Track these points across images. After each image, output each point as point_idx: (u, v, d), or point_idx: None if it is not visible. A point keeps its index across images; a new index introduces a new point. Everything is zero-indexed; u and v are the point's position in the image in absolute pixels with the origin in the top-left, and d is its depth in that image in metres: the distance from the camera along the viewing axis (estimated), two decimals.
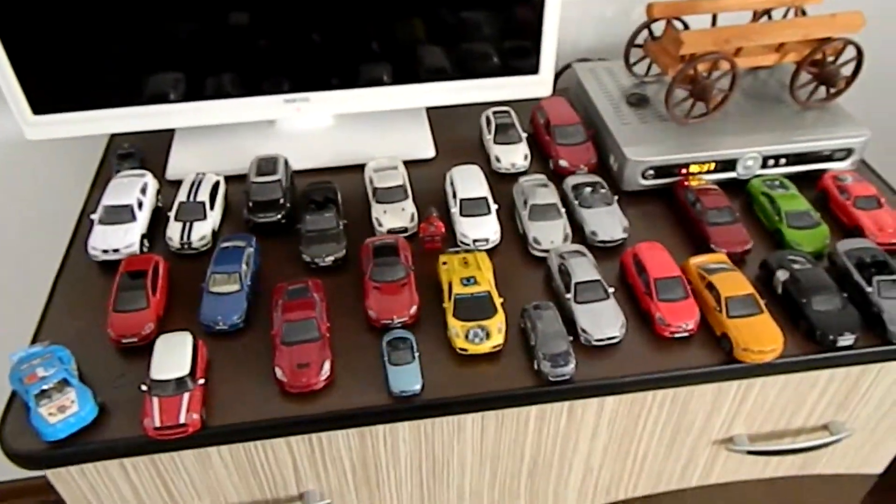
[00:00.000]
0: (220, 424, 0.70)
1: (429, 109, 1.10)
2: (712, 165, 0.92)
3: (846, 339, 0.74)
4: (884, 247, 0.84)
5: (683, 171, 0.92)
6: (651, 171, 0.92)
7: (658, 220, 0.92)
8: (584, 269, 0.79)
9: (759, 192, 0.90)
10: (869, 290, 0.77)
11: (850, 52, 1.04)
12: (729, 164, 0.93)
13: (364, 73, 0.96)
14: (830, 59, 0.96)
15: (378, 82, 0.98)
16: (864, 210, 0.87)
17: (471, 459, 0.83)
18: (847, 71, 1.05)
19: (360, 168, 0.99)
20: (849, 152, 0.94)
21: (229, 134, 1.05)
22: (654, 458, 0.90)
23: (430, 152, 1.03)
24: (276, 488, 0.81)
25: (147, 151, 1.03)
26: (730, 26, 0.91)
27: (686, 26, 1.01)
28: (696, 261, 0.81)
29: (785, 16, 1.01)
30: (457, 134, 1.07)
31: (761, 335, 0.73)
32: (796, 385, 0.83)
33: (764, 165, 0.93)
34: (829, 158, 0.94)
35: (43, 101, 0.93)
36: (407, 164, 0.99)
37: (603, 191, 0.90)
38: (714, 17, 0.99)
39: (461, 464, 0.84)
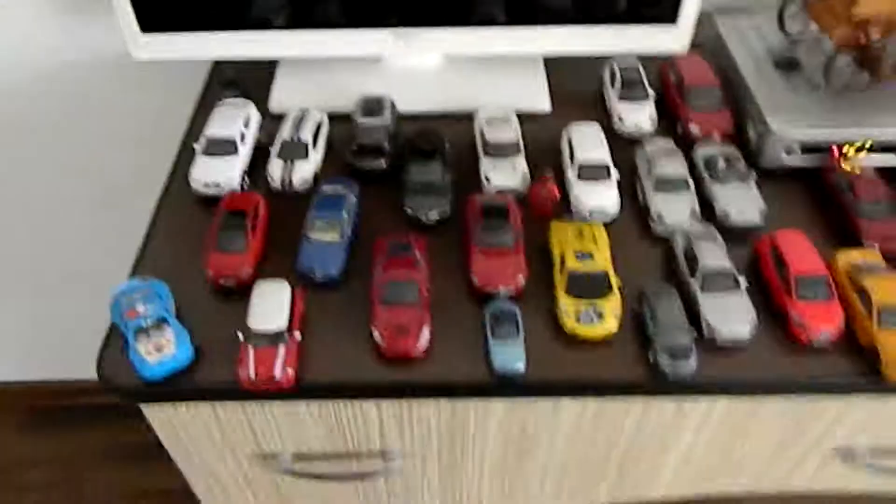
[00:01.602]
0: (312, 381, 0.68)
1: (546, 59, 1.01)
2: (870, 145, 0.81)
3: None
4: None
5: (836, 150, 0.81)
6: (797, 147, 0.82)
7: (800, 206, 0.82)
8: (714, 254, 0.71)
9: None
10: None
11: None
12: (891, 147, 0.81)
13: (479, 11, 0.88)
14: None
15: (492, 22, 0.90)
16: None
17: (561, 442, 0.79)
18: None
19: (468, 116, 0.93)
20: None
21: (333, 69, 0.99)
22: (758, 459, 0.83)
23: (545, 105, 0.95)
24: (360, 443, 0.80)
25: (250, 82, 0.99)
26: None
27: None
28: (845, 257, 0.72)
29: None
30: (575, 87, 0.98)
31: None
32: None
33: None
34: None
35: (152, 19, 0.89)
36: (519, 116, 0.92)
37: (739, 166, 0.81)
38: None
39: (550, 444, 0.80)
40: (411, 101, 0.95)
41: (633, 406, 0.74)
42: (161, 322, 0.68)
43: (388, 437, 0.79)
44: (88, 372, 1.58)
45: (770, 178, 0.83)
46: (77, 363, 1.57)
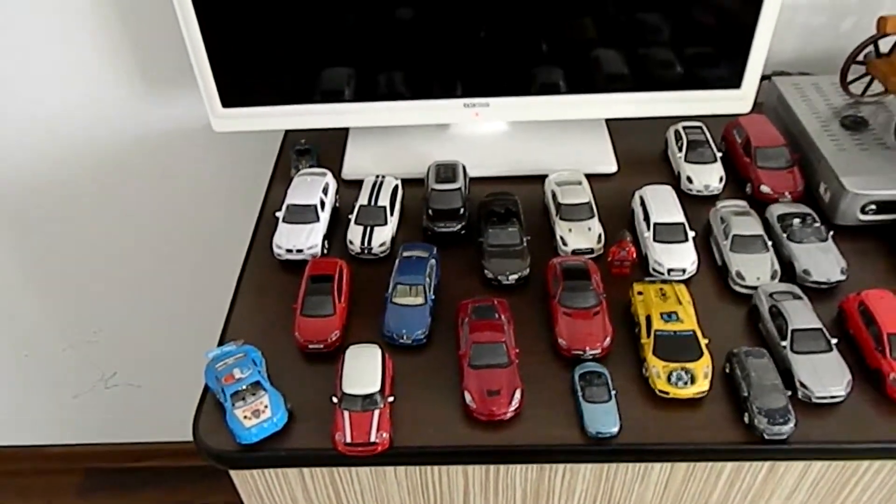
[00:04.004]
0: (405, 445, 0.68)
1: (609, 119, 1.04)
2: None
3: None
4: None
5: None
6: (872, 206, 0.82)
7: (878, 262, 0.82)
8: (802, 314, 0.71)
9: None
10: None
11: None
12: None
13: (542, 80, 0.92)
14: None
15: (556, 90, 0.93)
16: None
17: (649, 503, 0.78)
18: None
19: (535, 179, 0.95)
20: None
21: (403, 135, 1.03)
22: None
23: (611, 167, 0.97)
24: None
25: (322, 147, 1.03)
26: None
27: None
28: None
29: None
30: (638, 147, 1.01)
31: None
32: None
33: None
34: None
35: (232, 95, 0.94)
36: (586, 177, 0.94)
37: (815, 224, 0.81)
38: None
39: None
40: (480, 165, 0.97)
41: (725, 467, 0.73)
42: (256, 386, 0.70)
43: (473, 501, 0.78)
44: (147, 435, 1.59)
45: (844, 234, 0.84)
46: (138, 427, 1.58)
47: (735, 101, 0.93)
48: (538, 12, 0.86)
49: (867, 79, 0.94)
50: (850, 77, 0.94)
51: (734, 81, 0.91)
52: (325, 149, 1.03)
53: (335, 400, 0.68)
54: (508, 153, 0.99)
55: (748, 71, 0.90)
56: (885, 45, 0.90)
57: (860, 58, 0.92)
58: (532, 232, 0.88)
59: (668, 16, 0.87)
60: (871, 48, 0.91)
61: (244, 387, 0.69)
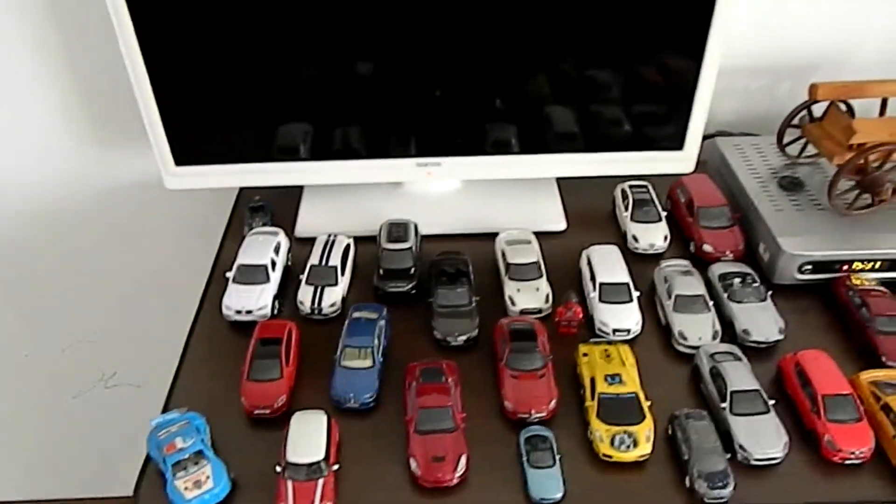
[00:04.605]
0: None
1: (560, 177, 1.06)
2: (878, 264, 0.85)
3: None
4: None
5: (845, 267, 0.85)
6: (809, 266, 0.85)
7: (815, 320, 0.84)
8: (741, 375, 0.73)
9: None
10: None
11: None
12: None
13: (495, 139, 0.94)
14: None
15: (507, 150, 0.95)
16: None
17: None
18: None
19: (488, 236, 0.96)
20: None
21: (357, 193, 1.04)
22: None
23: (561, 224, 0.99)
24: None
25: (276, 204, 1.03)
26: None
27: (849, 108, 0.94)
28: (868, 377, 0.74)
29: None
30: (588, 204, 1.03)
31: None
32: None
33: None
34: None
35: (185, 153, 0.94)
36: (536, 234, 0.96)
37: (755, 284, 0.84)
38: (884, 102, 0.92)
39: None
40: (433, 223, 0.99)
41: None
42: (198, 455, 0.69)
43: None
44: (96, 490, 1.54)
45: (782, 293, 0.86)
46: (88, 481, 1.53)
47: (678, 161, 0.96)
48: (488, 74, 0.89)
49: (803, 140, 0.98)
50: (787, 139, 0.98)
51: (677, 143, 0.95)
52: (281, 205, 1.04)
53: (279, 469, 0.68)
54: (461, 211, 1.01)
55: (689, 133, 0.94)
56: (818, 110, 0.94)
57: (795, 121, 0.96)
58: (483, 291, 0.89)
59: (613, 81, 0.90)
60: (805, 112, 0.95)
61: (186, 456, 0.68)
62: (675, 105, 0.92)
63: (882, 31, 1.06)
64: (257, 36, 0.85)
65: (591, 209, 1.02)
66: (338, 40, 0.86)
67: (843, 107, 0.93)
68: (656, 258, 0.92)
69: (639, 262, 0.92)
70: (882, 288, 0.82)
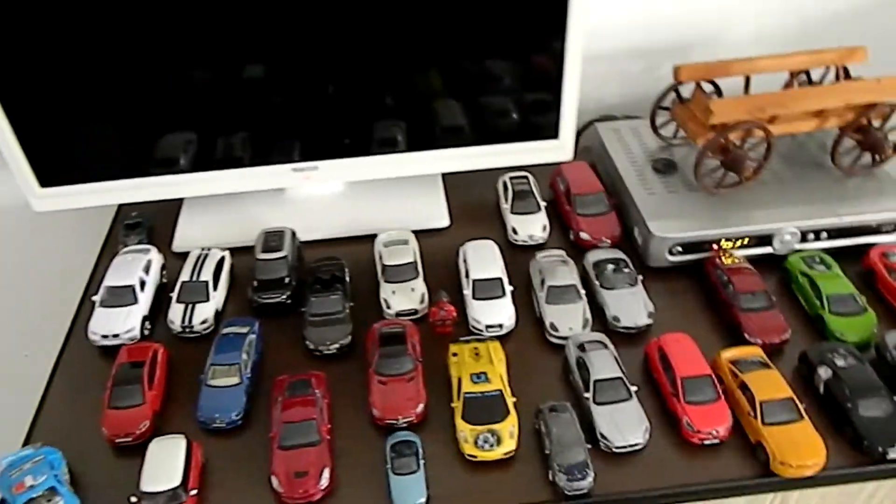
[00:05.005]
0: None
1: (445, 174, 1.05)
2: (746, 240, 0.86)
3: None
4: None
5: (714, 246, 0.86)
6: (679, 248, 0.86)
7: (687, 301, 0.85)
8: (605, 363, 0.73)
9: (798, 271, 0.83)
10: None
11: None
12: (764, 239, 0.86)
13: (376, 139, 0.93)
14: (876, 124, 0.89)
15: (390, 149, 0.94)
16: None
17: None
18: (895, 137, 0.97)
19: (370, 239, 0.95)
20: None
21: (238, 203, 1.02)
22: None
23: (444, 221, 0.98)
24: None
25: (156, 219, 1.01)
26: (765, 94, 0.84)
27: (717, 88, 0.95)
28: (728, 355, 0.74)
29: (824, 76, 0.94)
30: (473, 198, 1.02)
31: (801, 447, 0.66)
32: (837, 496, 0.75)
33: (803, 240, 0.86)
34: (875, 231, 0.87)
35: (50, 173, 0.91)
36: (421, 233, 0.95)
37: (627, 270, 0.84)
38: (747, 80, 0.93)
39: None
40: (314, 228, 0.97)
41: None
42: (51, 492, 0.66)
43: None
44: None
45: (657, 276, 0.87)
46: None
47: (555, 150, 0.96)
48: (359, 75, 0.87)
49: (676, 123, 0.98)
50: (660, 121, 0.98)
51: (552, 132, 0.94)
52: (162, 219, 1.01)
53: (133, 500, 0.66)
54: (343, 214, 0.99)
55: (563, 121, 0.93)
56: (686, 91, 0.95)
57: (666, 103, 0.96)
58: (362, 296, 0.88)
59: (487, 74, 0.89)
60: (673, 94, 0.95)
61: (38, 494, 0.66)
62: (546, 95, 0.91)
63: (753, 5, 1.07)
64: (118, 45, 0.81)
65: (477, 204, 1.02)
66: (207, 46, 0.83)
67: (709, 87, 0.94)
68: (537, 249, 0.92)
69: (521, 255, 0.92)
70: (749, 266, 0.83)
